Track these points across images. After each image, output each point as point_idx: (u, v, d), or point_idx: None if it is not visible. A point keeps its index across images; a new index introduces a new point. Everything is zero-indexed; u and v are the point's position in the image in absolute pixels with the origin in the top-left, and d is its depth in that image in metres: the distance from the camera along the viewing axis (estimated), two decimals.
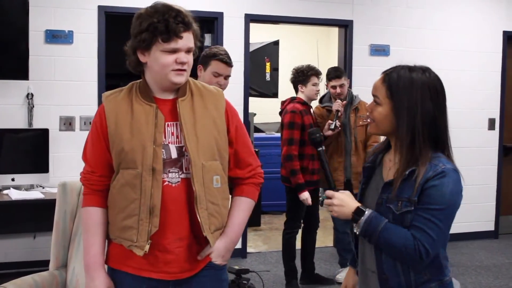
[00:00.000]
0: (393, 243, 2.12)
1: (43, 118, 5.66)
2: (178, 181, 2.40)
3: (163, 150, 2.38)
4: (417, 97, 2.16)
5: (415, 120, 2.15)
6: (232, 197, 2.59)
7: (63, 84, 5.75)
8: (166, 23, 2.31)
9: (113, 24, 6.07)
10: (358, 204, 2.23)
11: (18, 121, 5.60)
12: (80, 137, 5.72)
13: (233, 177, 2.57)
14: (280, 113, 5.49)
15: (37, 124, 5.62)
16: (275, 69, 8.90)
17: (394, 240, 2.12)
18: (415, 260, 2.11)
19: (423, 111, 2.15)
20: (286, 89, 9.39)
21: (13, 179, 5.36)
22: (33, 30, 5.55)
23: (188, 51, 2.39)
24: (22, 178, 5.42)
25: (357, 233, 2.21)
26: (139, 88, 2.47)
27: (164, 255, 2.40)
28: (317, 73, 5.54)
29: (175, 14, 2.34)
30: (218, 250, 2.47)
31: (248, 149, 2.60)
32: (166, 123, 2.41)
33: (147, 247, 2.35)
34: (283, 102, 5.56)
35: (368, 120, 2.31)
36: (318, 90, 5.55)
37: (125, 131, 2.38)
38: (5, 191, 5.26)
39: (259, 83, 8.41)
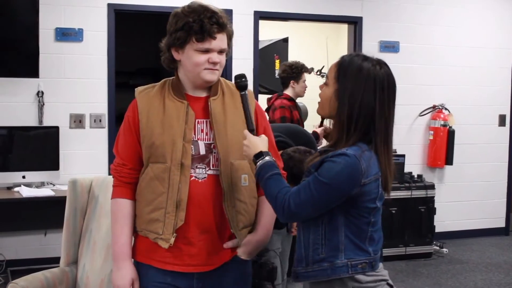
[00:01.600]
0: (270, 191, 2.25)
1: (53, 115, 5.69)
2: (204, 177, 2.46)
3: (192, 146, 2.45)
4: (360, 86, 2.21)
5: (354, 106, 2.20)
6: (259, 196, 2.60)
7: (73, 82, 5.78)
8: (201, 23, 2.36)
9: (123, 21, 6.10)
10: (263, 150, 2.34)
11: (28, 119, 5.63)
12: (90, 134, 5.76)
13: None
14: (267, 110, 5.48)
15: (47, 122, 5.65)
16: None
17: (272, 188, 2.25)
18: (278, 210, 2.24)
19: (363, 102, 2.20)
20: None
21: (24, 177, 5.39)
22: (43, 28, 5.58)
23: (220, 51, 2.45)
24: (33, 176, 5.45)
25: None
26: (171, 84, 2.53)
27: (188, 248, 2.45)
28: (307, 70, 5.59)
29: (210, 14, 2.39)
30: (246, 246, 2.52)
31: (274, 150, 2.65)
32: (197, 120, 2.48)
33: (172, 240, 2.41)
34: (269, 99, 5.56)
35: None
36: (306, 87, 5.52)
37: (156, 126, 2.44)
38: (16, 189, 5.29)
39: (269, 80, 8.40)
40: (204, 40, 2.38)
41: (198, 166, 2.45)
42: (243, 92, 2.49)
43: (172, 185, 2.40)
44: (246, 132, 2.42)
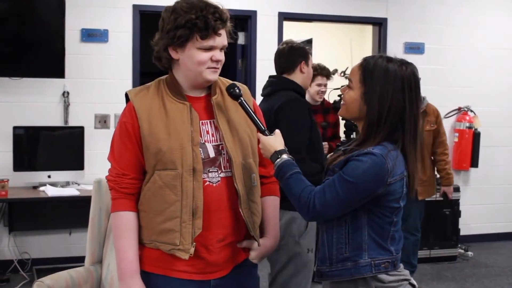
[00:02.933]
0: (293, 190, 2.24)
1: (78, 116, 5.73)
2: (218, 181, 2.35)
3: (201, 149, 2.32)
4: (389, 86, 2.21)
5: (384, 108, 2.20)
6: (261, 196, 2.55)
7: (98, 82, 5.82)
8: (205, 20, 2.24)
9: (147, 22, 6.12)
10: (278, 149, 2.32)
11: (54, 119, 5.68)
12: None
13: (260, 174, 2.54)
14: None
15: (72, 122, 5.70)
16: None
17: (294, 188, 2.24)
18: (302, 210, 2.22)
19: (393, 102, 2.20)
20: None
21: (49, 176, 5.44)
22: (69, 29, 5.63)
23: (222, 48, 2.35)
24: (58, 175, 5.49)
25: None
26: (167, 85, 2.39)
27: (206, 256, 2.36)
28: (322, 74, 5.35)
29: (213, 10, 2.26)
30: (259, 251, 2.47)
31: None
32: (201, 122, 2.36)
33: (192, 250, 2.28)
34: None
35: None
36: (324, 92, 5.37)
37: (160, 131, 2.29)
38: (41, 188, 5.34)
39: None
40: (209, 37, 2.26)
41: (211, 170, 2.33)
42: (239, 100, 2.39)
43: (186, 192, 2.26)
44: (259, 134, 2.38)
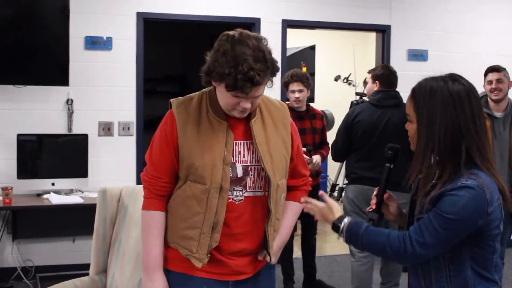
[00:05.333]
0: (376, 243, 2.15)
1: (82, 123, 5.74)
2: (241, 199, 2.45)
3: (230, 168, 2.42)
4: (437, 106, 2.10)
5: (434, 130, 2.09)
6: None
7: (102, 90, 5.83)
8: (234, 79, 2.21)
9: (149, 28, 6.14)
10: (336, 217, 2.27)
11: (58, 126, 5.68)
12: (118, 142, 5.79)
13: (288, 185, 2.62)
14: None
15: (76, 129, 5.70)
16: (311, 74, 8.88)
17: (377, 238, 2.15)
18: (399, 256, 2.12)
19: (442, 119, 2.08)
20: (322, 94, 9.41)
21: (53, 184, 5.44)
22: (73, 37, 5.63)
23: (254, 97, 2.34)
24: (62, 183, 5.49)
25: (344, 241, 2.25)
26: (210, 100, 2.44)
27: (225, 262, 2.48)
28: (292, 80, 5.27)
29: (246, 69, 2.20)
30: (276, 252, 2.58)
31: (304, 162, 2.69)
32: (235, 141, 2.44)
33: (206, 260, 2.43)
34: None
35: None
36: (297, 97, 5.26)
37: (196, 146, 2.39)
38: (45, 196, 5.34)
39: None
40: (235, 92, 2.27)
41: (236, 189, 2.44)
42: (391, 166, 2.40)
43: (210, 207, 2.39)
44: (313, 202, 2.42)
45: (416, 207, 2.17)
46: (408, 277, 2.25)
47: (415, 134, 2.17)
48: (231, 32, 2.31)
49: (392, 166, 2.39)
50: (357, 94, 6.92)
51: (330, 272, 6.07)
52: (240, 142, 2.45)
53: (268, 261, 2.59)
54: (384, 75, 4.85)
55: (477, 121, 2.12)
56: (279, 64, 2.35)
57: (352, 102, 6.92)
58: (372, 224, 2.30)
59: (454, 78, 2.16)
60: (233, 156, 2.43)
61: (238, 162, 2.44)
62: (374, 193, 2.38)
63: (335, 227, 2.26)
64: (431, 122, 2.09)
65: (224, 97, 2.33)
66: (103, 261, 3.58)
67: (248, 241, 2.49)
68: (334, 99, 9.86)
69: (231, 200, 2.43)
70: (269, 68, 2.27)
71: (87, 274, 3.60)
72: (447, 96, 2.10)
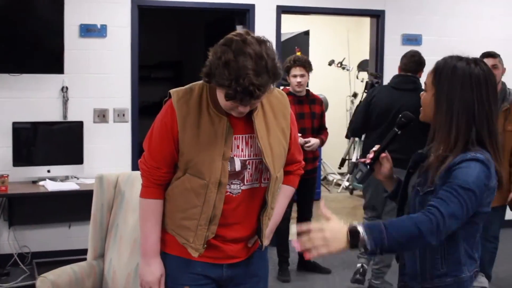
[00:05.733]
0: (403, 225, 1.98)
1: (77, 110, 5.75)
2: (238, 192, 2.47)
3: (229, 163, 2.42)
4: (457, 84, 2.17)
5: (453, 106, 2.16)
6: None
7: (97, 77, 5.83)
8: (234, 92, 2.16)
9: (144, 15, 6.14)
10: (346, 227, 1.97)
11: (53, 114, 5.69)
12: (113, 129, 5.81)
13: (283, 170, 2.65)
14: None
15: (71, 117, 5.72)
16: None
17: (402, 223, 2.00)
18: (431, 235, 1.96)
19: (461, 98, 2.15)
20: (316, 78, 9.42)
21: (48, 171, 5.46)
22: (68, 25, 5.63)
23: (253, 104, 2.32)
24: (58, 170, 5.51)
25: (369, 250, 1.96)
26: (210, 94, 2.40)
27: (221, 246, 2.52)
28: (294, 65, 5.33)
29: (248, 83, 2.13)
30: (266, 236, 2.62)
31: (299, 148, 2.73)
32: (234, 136, 2.43)
33: (202, 250, 2.48)
34: None
35: None
36: (299, 82, 5.31)
37: (195, 142, 2.39)
38: (41, 182, 5.36)
39: None
40: (234, 102, 2.23)
41: (233, 182, 2.45)
42: (399, 132, 2.43)
43: (208, 201, 2.41)
44: (322, 225, 1.99)
45: (418, 179, 2.22)
46: (400, 259, 2.28)
47: (429, 104, 2.24)
48: (234, 37, 2.21)
49: (399, 132, 2.42)
50: (371, 74, 6.94)
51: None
52: (239, 137, 2.45)
53: (261, 248, 2.64)
54: (403, 60, 5.11)
55: (491, 107, 2.18)
56: (280, 65, 2.28)
57: (366, 82, 7.00)
58: (360, 174, 2.37)
59: (476, 61, 2.23)
60: (231, 151, 2.43)
61: (237, 157, 2.45)
62: (374, 148, 2.42)
63: (353, 239, 1.94)
64: (450, 100, 2.16)
65: (222, 100, 2.28)
66: (100, 246, 3.62)
67: (242, 230, 2.54)
68: (328, 84, 9.89)
69: (228, 193, 2.45)
70: (271, 78, 2.20)
71: (84, 260, 3.64)
72: (467, 77, 2.17)
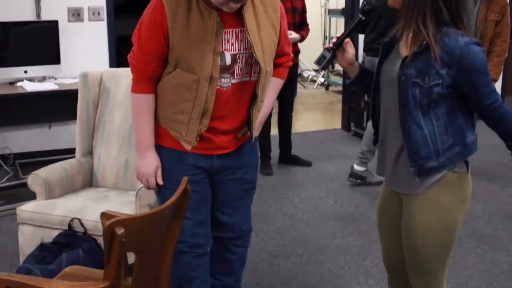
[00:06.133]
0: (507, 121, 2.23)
1: (51, 9, 5.60)
2: (228, 86, 2.49)
3: (219, 57, 2.42)
4: None
5: None
6: None
7: None
8: None
9: None
10: None
11: (26, 13, 5.55)
12: (89, 28, 5.71)
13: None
14: None
15: (45, 16, 5.59)
16: None
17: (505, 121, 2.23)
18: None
19: None
20: None
21: (25, 71, 5.39)
22: None
23: None
24: (35, 70, 5.44)
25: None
26: None
27: (212, 138, 2.57)
28: None
29: None
30: (256, 127, 2.68)
31: (287, 40, 2.71)
32: (224, 30, 2.42)
33: (195, 143, 2.53)
34: None
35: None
36: None
37: (185, 37, 2.37)
38: (19, 83, 5.30)
39: None
40: None
41: (224, 76, 2.47)
42: (363, 18, 2.43)
43: (200, 96, 2.43)
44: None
45: (409, 70, 2.21)
46: (405, 129, 2.27)
47: None
48: None
49: (363, 18, 2.43)
50: None
51: (303, 148, 6.25)
52: (229, 31, 2.43)
53: (250, 139, 2.70)
54: None
55: None
56: None
57: None
58: (324, 60, 2.40)
59: None
60: (222, 46, 2.42)
61: (227, 51, 2.44)
62: (337, 35, 2.43)
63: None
64: None
65: None
66: (88, 143, 3.67)
67: (232, 122, 2.58)
68: None
69: (218, 87, 2.46)
70: None
71: (67, 159, 3.68)
72: None
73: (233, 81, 2.50)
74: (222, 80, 2.47)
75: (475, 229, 4.25)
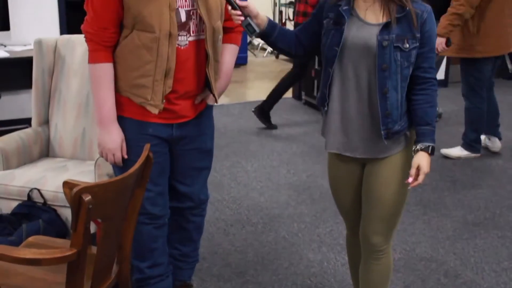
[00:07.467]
0: (434, 112, 2.43)
1: None
2: (186, 44, 2.49)
3: (175, 14, 2.43)
4: None
5: None
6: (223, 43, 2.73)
7: None
8: None
9: None
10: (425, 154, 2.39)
11: None
12: None
13: (224, 26, 2.68)
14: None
15: None
16: None
17: (433, 111, 2.42)
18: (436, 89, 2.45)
19: None
20: None
21: None
22: None
23: None
24: None
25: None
26: None
27: (172, 107, 2.56)
28: None
29: None
30: (218, 94, 2.71)
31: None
32: None
33: (162, 106, 2.52)
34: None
35: None
36: None
37: None
38: None
39: None
40: None
41: (180, 34, 2.47)
42: None
43: (161, 55, 2.43)
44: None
45: (397, 37, 2.31)
46: (382, 93, 2.37)
47: None
48: None
49: None
50: None
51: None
52: None
53: (211, 102, 2.70)
54: None
55: None
56: None
57: None
58: (250, 28, 2.39)
59: None
60: (176, 2, 2.44)
61: (181, 7, 2.46)
62: (229, 8, 2.42)
63: (432, 153, 2.42)
64: None
65: None
66: (44, 112, 3.64)
67: (192, 84, 2.58)
68: None
69: (177, 45, 2.47)
70: None
71: (19, 129, 3.65)
72: None
73: (190, 38, 2.51)
74: (180, 38, 2.47)
75: (422, 196, 4.41)
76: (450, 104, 7.00)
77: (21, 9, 5.51)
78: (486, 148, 5.44)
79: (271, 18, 2.52)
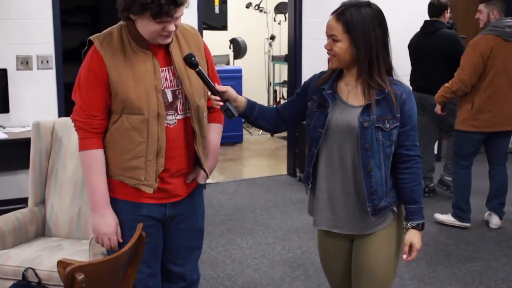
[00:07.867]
0: (420, 190, 2.54)
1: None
2: (175, 123, 2.59)
3: (161, 95, 2.54)
4: (369, 27, 2.41)
5: (371, 47, 2.41)
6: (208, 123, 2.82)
7: (18, 23, 5.71)
8: (159, 6, 2.32)
9: None
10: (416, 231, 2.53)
11: None
12: (38, 76, 5.74)
13: (208, 106, 2.76)
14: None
15: None
16: (224, 2, 9.02)
17: (420, 189, 2.54)
18: (420, 167, 2.55)
19: (376, 38, 2.42)
20: (234, 22, 9.53)
21: None
22: None
23: (177, 18, 2.46)
24: None
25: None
26: (129, 33, 2.52)
27: (164, 186, 2.63)
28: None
29: None
30: (209, 171, 2.80)
31: (218, 80, 2.81)
32: (161, 69, 2.56)
33: (156, 185, 2.58)
34: None
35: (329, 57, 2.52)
36: None
37: (128, 79, 2.49)
38: None
39: (209, 16, 8.49)
40: (161, 18, 2.38)
41: (169, 113, 2.56)
42: (197, 69, 2.54)
43: (152, 135, 2.51)
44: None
45: (377, 118, 2.43)
46: (366, 172, 2.46)
47: (345, 52, 2.44)
48: None
49: (197, 70, 2.53)
50: None
51: (250, 194, 6.36)
52: (165, 69, 2.57)
53: (203, 180, 2.77)
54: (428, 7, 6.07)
55: (388, 38, 2.49)
56: None
57: None
58: (229, 112, 2.52)
59: (370, 4, 2.47)
60: (161, 83, 2.54)
61: (167, 88, 2.57)
62: (209, 93, 2.56)
63: (422, 228, 2.57)
64: (369, 42, 2.41)
65: (148, 27, 2.41)
66: (41, 192, 3.70)
67: (183, 161, 2.65)
68: (246, 27, 10.02)
69: (166, 124, 2.55)
70: None
71: (16, 209, 3.69)
72: (374, 19, 2.43)
73: (178, 117, 2.60)
74: (168, 117, 2.57)
75: (416, 270, 4.41)
76: None
77: (21, 92, 5.65)
78: (487, 222, 5.46)
79: (266, 96, 2.64)
